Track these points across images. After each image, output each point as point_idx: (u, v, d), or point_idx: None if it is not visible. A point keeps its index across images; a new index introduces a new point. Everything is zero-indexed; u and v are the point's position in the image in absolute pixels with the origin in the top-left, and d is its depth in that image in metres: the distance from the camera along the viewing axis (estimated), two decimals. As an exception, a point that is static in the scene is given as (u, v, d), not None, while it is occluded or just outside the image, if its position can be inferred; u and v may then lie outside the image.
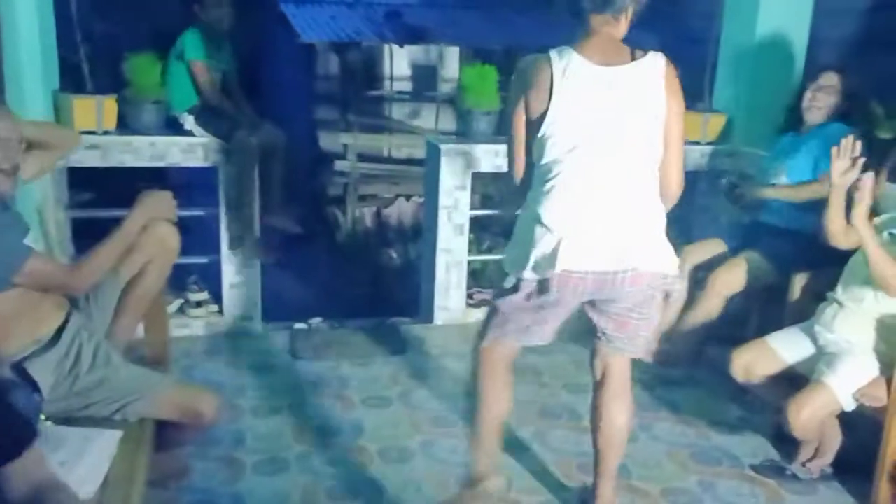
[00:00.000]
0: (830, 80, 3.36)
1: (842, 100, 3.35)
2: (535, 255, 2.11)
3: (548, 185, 2.11)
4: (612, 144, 2.09)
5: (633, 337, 2.31)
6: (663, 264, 2.17)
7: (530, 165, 2.21)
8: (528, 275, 2.14)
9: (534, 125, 2.12)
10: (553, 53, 2.09)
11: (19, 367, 2.09)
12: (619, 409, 2.41)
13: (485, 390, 2.38)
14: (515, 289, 2.21)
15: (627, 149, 2.10)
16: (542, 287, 2.15)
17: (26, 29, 3.31)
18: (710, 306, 3.39)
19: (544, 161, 2.12)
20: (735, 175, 3.66)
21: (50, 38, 3.55)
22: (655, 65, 2.11)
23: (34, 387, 2.08)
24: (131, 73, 3.71)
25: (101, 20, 4.32)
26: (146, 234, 2.41)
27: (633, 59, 2.10)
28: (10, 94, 3.12)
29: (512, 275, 2.21)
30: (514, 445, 2.95)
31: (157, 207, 2.44)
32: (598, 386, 2.44)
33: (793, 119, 3.49)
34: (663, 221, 2.20)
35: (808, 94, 3.40)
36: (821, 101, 3.37)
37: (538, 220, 2.11)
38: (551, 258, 2.08)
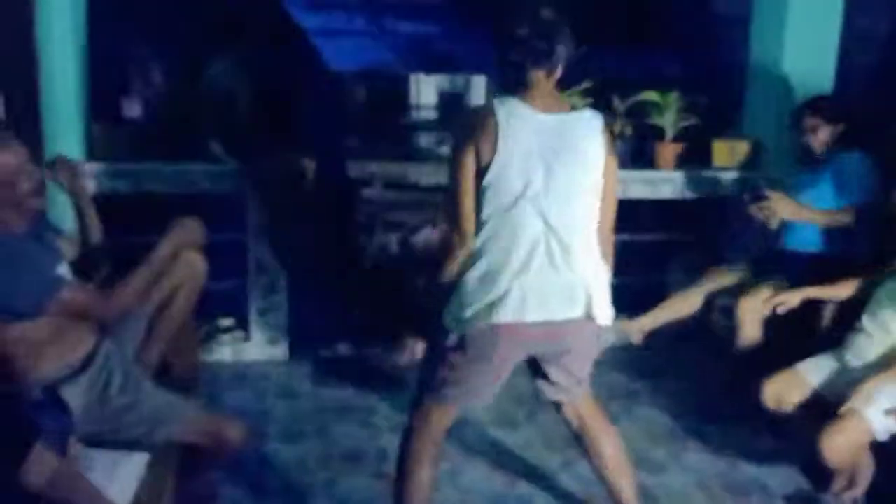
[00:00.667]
0: (809, 121, 3.37)
1: (838, 127, 3.34)
2: (480, 307, 2.07)
3: (494, 234, 2.08)
4: (559, 190, 2.07)
5: (582, 379, 2.33)
6: (604, 317, 2.19)
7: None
8: (474, 328, 2.09)
9: (480, 174, 2.07)
10: (495, 102, 2.09)
11: (51, 390, 2.13)
12: (607, 443, 2.44)
13: (417, 466, 2.27)
14: (459, 346, 2.14)
15: (574, 195, 2.10)
16: (489, 340, 2.11)
17: (62, 65, 3.40)
18: (749, 335, 3.29)
19: (490, 209, 2.07)
20: (765, 184, 3.48)
21: (84, 72, 3.64)
22: (594, 119, 2.15)
23: (64, 409, 2.11)
24: (162, 101, 3.79)
25: (133, 50, 4.43)
26: (176, 261, 2.44)
27: (573, 109, 2.15)
28: (48, 126, 3.21)
29: (455, 331, 2.13)
30: (540, 475, 2.93)
31: (187, 235, 2.48)
32: (579, 432, 2.45)
33: (805, 153, 3.48)
34: (607, 273, 2.21)
35: (800, 140, 3.42)
36: (812, 142, 3.38)
37: (484, 270, 2.08)
38: (499, 308, 2.06)
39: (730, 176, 4.16)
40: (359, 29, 11.29)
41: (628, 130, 4.02)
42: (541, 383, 2.34)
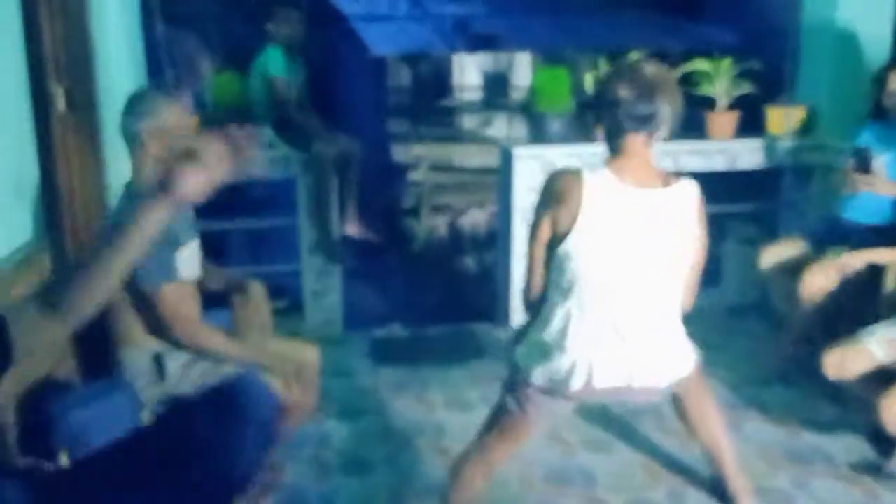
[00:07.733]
0: None
1: None
2: (552, 369, 2.08)
3: (569, 305, 2.06)
4: (639, 268, 2.04)
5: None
6: (680, 372, 2.20)
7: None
8: (545, 385, 2.11)
9: (558, 241, 2.06)
10: (585, 171, 2.04)
11: (158, 356, 2.25)
12: (704, 412, 2.47)
13: (468, 485, 2.30)
14: (527, 389, 2.15)
15: (655, 273, 2.06)
16: (558, 399, 2.15)
17: (117, 58, 3.47)
18: (811, 308, 3.23)
19: (565, 278, 2.06)
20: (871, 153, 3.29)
21: (139, 64, 3.73)
22: (690, 192, 2.09)
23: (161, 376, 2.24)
24: (214, 91, 3.86)
25: (185, 42, 4.52)
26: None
27: (667, 183, 2.07)
28: (106, 118, 3.29)
29: (525, 374, 2.14)
30: (599, 445, 2.95)
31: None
32: (675, 398, 2.48)
33: (879, 109, 3.34)
34: (680, 326, 2.19)
35: (885, 101, 3.25)
36: None
37: (556, 333, 2.08)
38: (567, 379, 2.06)
39: (785, 144, 4.08)
40: (401, 13, 11.31)
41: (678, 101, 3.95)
42: None
